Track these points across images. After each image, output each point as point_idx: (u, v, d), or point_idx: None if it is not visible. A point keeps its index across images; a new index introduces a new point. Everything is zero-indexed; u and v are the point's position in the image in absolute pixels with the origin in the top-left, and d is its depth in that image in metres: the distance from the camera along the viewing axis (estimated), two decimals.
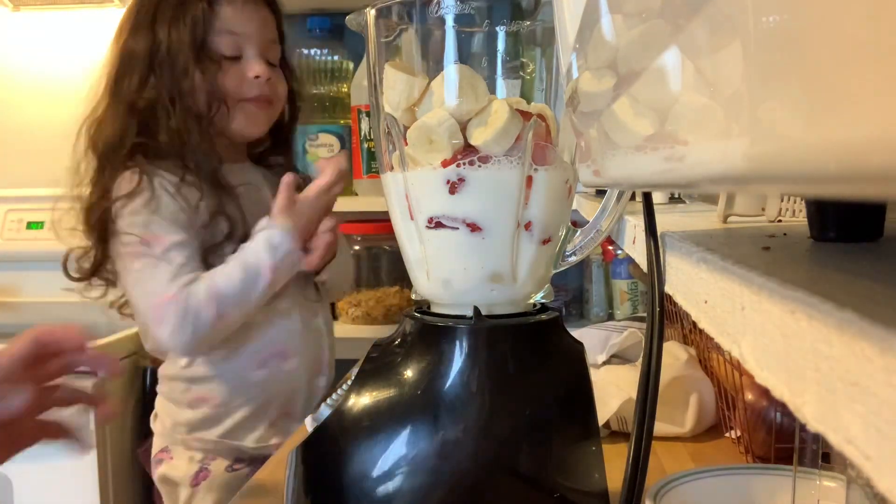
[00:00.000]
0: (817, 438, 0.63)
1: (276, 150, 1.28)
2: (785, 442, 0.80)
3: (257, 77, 1.15)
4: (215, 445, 1.16)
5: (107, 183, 1.11)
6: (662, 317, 0.48)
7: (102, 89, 1.15)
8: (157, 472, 1.19)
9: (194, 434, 1.16)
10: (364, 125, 1.70)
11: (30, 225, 1.91)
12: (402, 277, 1.69)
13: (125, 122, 1.12)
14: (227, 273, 1.07)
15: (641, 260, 0.51)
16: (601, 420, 0.92)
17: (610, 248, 1.71)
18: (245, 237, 1.12)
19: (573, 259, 0.69)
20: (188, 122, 1.11)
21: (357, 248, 1.74)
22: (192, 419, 1.15)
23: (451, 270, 0.64)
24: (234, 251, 1.10)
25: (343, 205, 1.29)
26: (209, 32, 1.12)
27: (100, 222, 1.10)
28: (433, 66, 0.62)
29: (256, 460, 1.15)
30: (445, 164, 0.61)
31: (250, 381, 1.15)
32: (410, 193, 0.63)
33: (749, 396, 0.85)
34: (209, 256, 1.11)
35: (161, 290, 1.05)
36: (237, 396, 1.15)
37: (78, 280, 1.15)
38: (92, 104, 1.15)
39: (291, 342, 1.18)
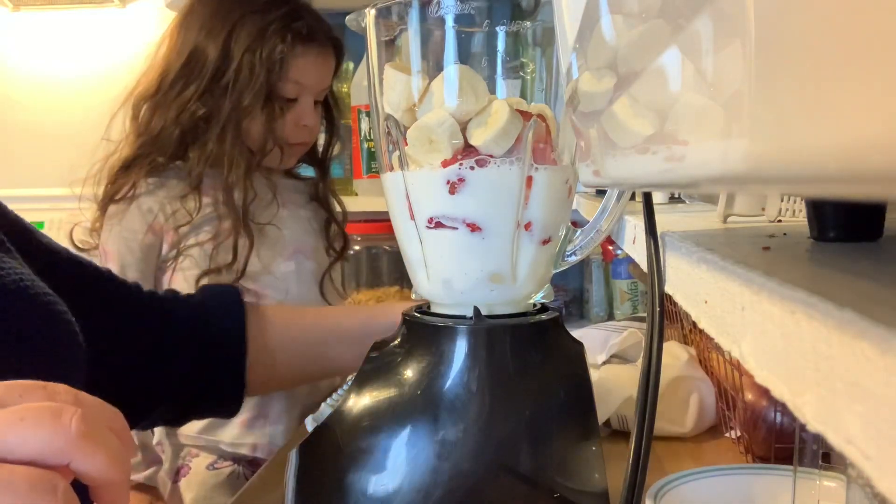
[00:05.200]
0: (817, 438, 0.63)
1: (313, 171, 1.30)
2: (785, 442, 0.80)
3: (306, 125, 1.18)
4: (194, 441, 1.16)
5: (128, 179, 1.12)
6: (662, 317, 0.48)
7: (155, 77, 1.14)
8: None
9: (176, 427, 1.16)
10: (364, 125, 1.70)
11: None
12: (402, 277, 1.69)
13: (171, 128, 1.12)
14: None
15: (641, 260, 0.51)
16: (601, 419, 0.92)
17: (610, 248, 1.71)
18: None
19: (573, 259, 0.69)
20: (236, 154, 1.11)
21: (357, 248, 1.74)
22: None
23: (451, 270, 0.64)
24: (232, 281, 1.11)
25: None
26: (280, 78, 1.14)
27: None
28: (433, 66, 0.62)
29: (240, 460, 1.15)
30: (445, 164, 0.61)
31: None
32: (410, 193, 0.63)
33: (749, 396, 0.85)
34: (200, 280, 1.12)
35: None
36: None
37: None
38: (142, 80, 1.15)
39: None
